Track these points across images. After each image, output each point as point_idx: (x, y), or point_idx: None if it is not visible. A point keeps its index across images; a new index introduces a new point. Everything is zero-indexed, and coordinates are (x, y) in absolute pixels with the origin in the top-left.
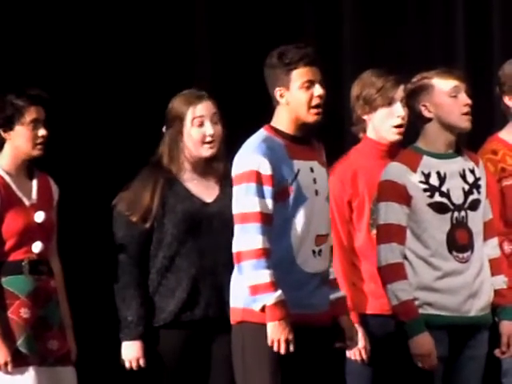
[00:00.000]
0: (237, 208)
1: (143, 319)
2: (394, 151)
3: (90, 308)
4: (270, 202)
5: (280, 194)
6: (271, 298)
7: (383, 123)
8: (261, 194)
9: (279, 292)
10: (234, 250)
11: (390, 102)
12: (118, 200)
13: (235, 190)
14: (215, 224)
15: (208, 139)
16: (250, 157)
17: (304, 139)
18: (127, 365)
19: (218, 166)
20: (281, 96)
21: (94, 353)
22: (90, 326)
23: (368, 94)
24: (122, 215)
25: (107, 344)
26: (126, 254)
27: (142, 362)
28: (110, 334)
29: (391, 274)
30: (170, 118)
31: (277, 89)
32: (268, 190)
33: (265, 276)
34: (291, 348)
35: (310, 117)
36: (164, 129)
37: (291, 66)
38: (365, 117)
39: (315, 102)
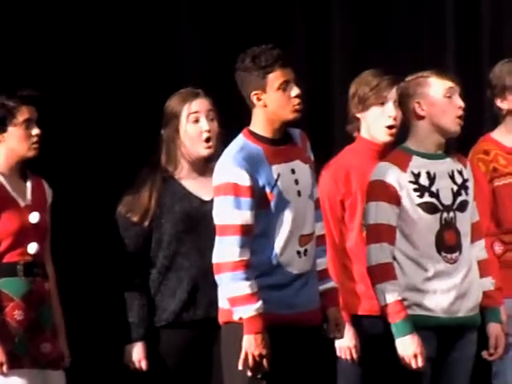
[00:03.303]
0: (217, 219)
1: (145, 320)
2: (387, 151)
3: (91, 310)
4: (248, 213)
5: (261, 202)
6: (248, 310)
7: (375, 122)
8: (239, 206)
9: (257, 305)
10: (214, 261)
11: (383, 102)
12: (118, 203)
13: (216, 200)
14: (213, 222)
15: (204, 135)
16: (228, 169)
17: (283, 140)
18: (130, 366)
19: (214, 165)
20: (258, 99)
21: (95, 355)
22: (91, 329)
23: (362, 92)
24: (122, 216)
25: (109, 346)
26: (127, 255)
27: (144, 364)
28: (112, 336)
29: (381, 274)
30: (166, 117)
31: (253, 92)
32: (246, 201)
33: (243, 288)
34: (264, 364)
35: (290, 115)
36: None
37: (267, 69)
38: (358, 115)
39: (294, 101)
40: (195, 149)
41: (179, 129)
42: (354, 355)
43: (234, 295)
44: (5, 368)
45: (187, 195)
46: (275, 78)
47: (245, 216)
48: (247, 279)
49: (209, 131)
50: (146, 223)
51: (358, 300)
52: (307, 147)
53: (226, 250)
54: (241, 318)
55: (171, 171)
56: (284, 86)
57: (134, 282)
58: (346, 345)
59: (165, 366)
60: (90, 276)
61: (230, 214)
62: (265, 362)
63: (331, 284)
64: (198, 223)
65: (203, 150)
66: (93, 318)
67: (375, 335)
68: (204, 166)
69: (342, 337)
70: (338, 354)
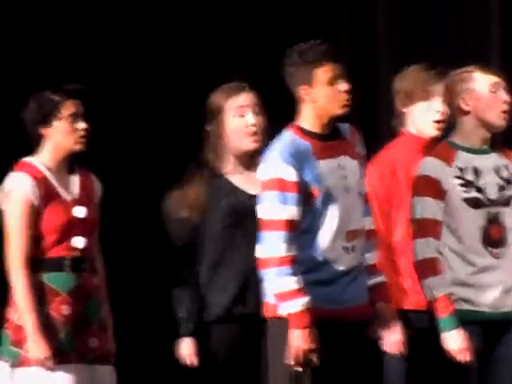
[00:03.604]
0: (262, 214)
1: (194, 316)
2: (432, 146)
3: (143, 305)
4: (294, 209)
5: (307, 198)
6: (296, 305)
7: (422, 117)
8: (285, 202)
9: (305, 300)
10: (259, 255)
11: (429, 97)
12: (166, 199)
13: (261, 195)
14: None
15: (251, 129)
16: (275, 164)
17: (331, 135)
18: (180, 362)
19: (260, 160)
20: (305, 94)
21: (147, 351)
22: (142, 324)
23: (408, 87)
24: (170, 213)
25: (160, 341)
26: (175, 251)
27: (194, 359)
28: (163, 332)
29: (427, 268)
30: (211, 112)
31: (300, 87)
32: (292, 196)
33: (290, 283)
34: (313, 358)
35: (339, 110)
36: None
37: (315, 64)
38: (404, 110)
39: (342, 97)
40: (241, 143)
41: (225, 123)
42: (401, 350)
43: (281, 291)
44: (50, 363)
45: (234, 190)
46: (323, 72)
47: (291, 211)
48: (293, 274)
49: (255, 125)
50: (194, 219)
51: (405, 294)
52: (357, 142)
53: (272, 246)
54: (288, 314)
55: (217, 166)
56: (332, 81)
57: (183, 278)
58: (392, 339)
59: (215, 361)
60: (141, 271)
61: (275, 209)
62: (313, 356)
63: (380, 279)
64: (245, 217)
65: (250, 144)
66: (144, 313)
67: (422, 330)
68: (250, 161)
69: (391, 332)
70: (385, 348)
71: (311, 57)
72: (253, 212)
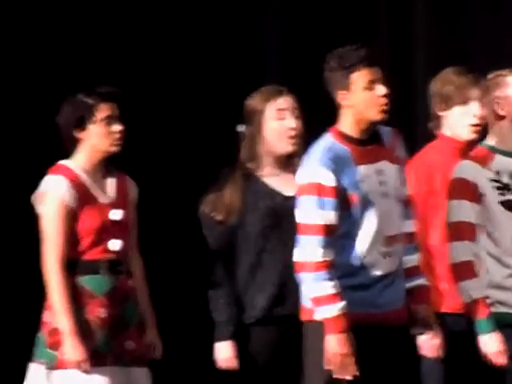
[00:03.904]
0: (299, 218)
1: (233, 319)
2: (469, 149)
3: (178, 309)
4: (332, 214)
5: (345, 203)
6: (332, 310)
7: (459, 121)
8: (322, 206)
9: (341, 304)
10: (295, 259)
11: (466, 101)
12: (202, 202)
13: (299, 199)
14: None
15: (290, 132)
16: (313, 168)
17: (370, 140)
18: (220, 365)
19: (297, 161)
20: (343, 99)
21: (186, 354)
22: (182, 328)
23: (445, 91)
24: (206, 216)
25: (200, 345)
26: (212, 254)
27: (234, 363)
28: (203, 335)
29: (463, 271)
30: (249, 114)
31: (339, 92)
32: (330, 201)
33: (326, 288)
34: (351, 364)
35: (377, 115)
36: (240, 127)
37: (352, 68)
38: (441, 113)
39: (381, 101)
40: (279, 145)
41: (263, 125)
42: (439, 353)
43: (317, 295)
44: (87, 365)
45: (270, 192)
46: (360, 77)
47: (328, 216)
48: (330, 279)
49: (294, 129)
50: (231, 221)
51: (442, 298)
52: (398, 145)
53: (309, 250)
54: (324, 318)
55: (253, 168)
56: (370, 86)
57: (220, 281)
58: (429, 343)
59: (255, 364)
60: (178, 275)
61: (313, 213)
62: (351, 361)
63: (421, 281)
64: (282, 219)
65: (287, 147)
66: (183, 316)
67: (459, 333)
68: (285, 163)
69: (433, 333)
70: (422, 352)
71: (348, 62)
72: (289, 214)
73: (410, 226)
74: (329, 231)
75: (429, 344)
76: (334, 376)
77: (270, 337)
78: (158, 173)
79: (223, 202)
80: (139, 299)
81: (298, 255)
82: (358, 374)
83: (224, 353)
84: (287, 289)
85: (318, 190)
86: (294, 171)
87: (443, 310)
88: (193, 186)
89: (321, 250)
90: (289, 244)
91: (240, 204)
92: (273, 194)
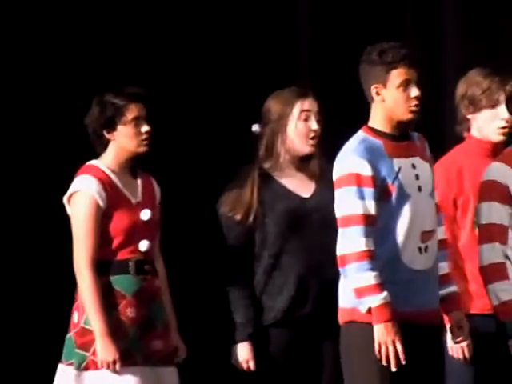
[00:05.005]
0: (339, 211)
1: (251, 320)
2: (498, 150)
3: (201, 309)
4: (372, 204)
5: (382, 194)
6: (376, 300)
7: (487, 124)
8: (362, 196)
9: (384, 294)
10: (338, 253)
11: (494, 104)
12: (220, 202)
13: (337, 193)
14: (315, 219)
15: (312, 134)
16: (350, 159)
17: (402, 136)
18: (238, 367)
19: (313, 163)
20: (377, 93)
21: (204, 354)
22: (200, 328)
23: (473, 94)
24: (225, 216)
25: (219, 345)
26: (231, 254)
27: (252, 364)
28: (221, 336)
29: (493, 273)
30: (270, 114)
31: (373, 86)
32: (369, 191)
33: (369, 278)
34: (399, 349)
35: (406, 115)
36: (256, 127)
37: (392, 65)
38: (469, 116)
39: (412, 102)
40: (300, 146)
41: (287, 125)
42: (467, 354)
43: (361, 285)
44: (118, 366)
45: (287, 193)
46: (398, 75)
47: (368, 206)
48: (372, 269)
49: (316, 131)
50: (249, 221)
51: (471, 299)
52: (426, 149)
53: (351, 241)
54: (369, 309)
55: (270, 168)
56: (405, 85)
57: (239, 282)
58: (458, 344)
59: (274, 365)
60: (197, 275)
61: (353, 204)
62: (400, 348)
63: (453, 288)
64: (300, 221)
65: (307, 148)
66: (201, 316)
67: (488, 334)
68: (301, 164)
69: (465, 340)
70: (450, 353)
71: (390, 57)
72: (306, 215)
73: (441, 233)
74: (370, 221)
75: (457, 345)
76: (383, 364)
77: (287, 338)
78: (176, 173)
79: (242, 201)
80: (164, 300)
81: (340, 249)
82: (404, 362)
83: (242, 354)
84: (306, 291)
85: (357, 180)
86: (310, 173)
87: (472, 311)
88: (215, 185)
89: (363, 240)
90: (308, 246)
91: (258, 204)
92: (290, 195)
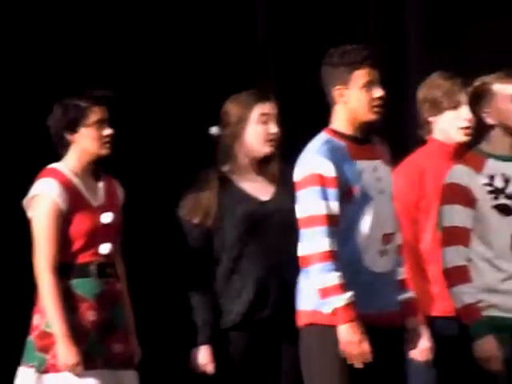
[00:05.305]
0: (301, 212)
1: (210, 323)
2: (460, 152)
3: (157, 313)
4: (335, 204)
5: (345, 195)
6: (341, 300)
7: (450, 126)
8: (326, 197)
9: (349, 294)
10: (301, 254)
11: (456, 105)
12: (179, 205)
13: (299, 194)
14: (274, 222)
15: (270, 137)
16: (314, 160)
17: (364, 139)
18: (196, 370)
19: (272, 166)
20: (340, 95)
21: (161, 357)
22: (157, 330)
23: (434, 96)
24: (183, 220)
25: (176, 349)
26: (190, 258)
27: (210, 368)
28: (179, 339)
29: (456, 276)
30: (229, 118)
31: (336, 87)
32: (332, 192)
33: (334, 278)
34: (366, 348)
35: (369, 115)
36: (215, 129)
37: (354, 66)
38: (431, 119)
39: (375, 102)
40: (258, 149)
41: (246, 128)
42: (429, 357)
43: (325, 286)
44: (79, 369)
45: (246, 197)
46: (361, 75)
47: (332, 206)
48: (337, 270)
49: (275, 134)
50: (208, 225)
51: (433, 301)
52: (387, 153)
53: (314, 241)
54: (334, 309)
55: (229, 171)
56: (368, 86)
57: (198, 285)
58: (420, 347)
59: (232, 368)
60: (157, 279)
61: (316, 204)
62: (366, 347)
63: (410, 294)
64: (259, 224)
65: (265, 149)
66: (159, 320)
67: (449, 337)
68: (261, 167)
69: (415, 347)
70: (412, 356)
71: (352, 58)
72: (265, 218)
73: (399, 239)
74: (333, 222)
75: (418, 348)
76: (350, 363)
77: (246, 342)
78: (136, 175)
79: (200, 205)
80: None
81: (303, 249)
82: (371, 359)
83: (200, 357)
84: (265, 295)
85: (321, 180)
86: (269, 176)
87: (434, 313)
88: (173, 188)
89: (327, 240)
90: (267, 249)
91: (216, 208)
92: (249, 199)
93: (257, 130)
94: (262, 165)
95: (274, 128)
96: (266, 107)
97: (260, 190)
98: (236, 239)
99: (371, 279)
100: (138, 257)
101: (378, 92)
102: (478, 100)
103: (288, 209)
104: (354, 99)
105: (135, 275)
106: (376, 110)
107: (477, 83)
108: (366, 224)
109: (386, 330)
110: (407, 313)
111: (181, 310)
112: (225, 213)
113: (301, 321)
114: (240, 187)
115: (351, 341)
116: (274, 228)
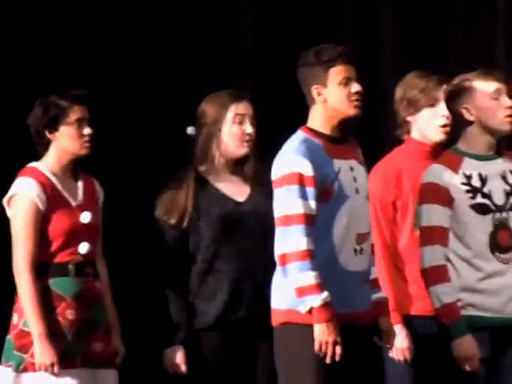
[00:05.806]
0: (279, 210)
1: (184, 324)
2: (437, 152)
3: (135, 312)
4: (312, 203)
5: (322, 194)
6: (318, 299)
7: (428, 123)
8: (303, 196)
9: (326, 293)
10: (278, 252)
11: (433, 103)
12: (156, 205)
13: (277, 192)
14: (250, 223)
15: (246, 138)
16: (291, 159)
17: (341, 139)
18: (169, 370)
19: (248, 167)
20: (318, 94)
21: (138, 357)
22: (133, 330)
23: (411, 94)
24: (159, 219)
25: (149, 349)
26: (165, 258)
27: (183, 368)
28: (152, 339)
29: (434, 276)
30: (205, 118)
31: (313, 86)
32: (310, 191)
33: (310, 278)
34: (338, 350)
35: (350, 110)
36: (191, 129)
37: (330, 63)
38: (409, 118)
39: (354, 97)
40: (234, 149)
41: (222, 128)
42: (407, 356)
43: (302, 285)
44: (56, 368)
45: (221, 197)
46: (337, 72)
47: (309, 205)
48: (314, 269)
49: (250, 135)
50: (184, 225)
51: (411, 300)
52: (360, 153)
53: (292, 240)
54: (310, 308)
55: (205, 171)
56: (345, 82)
57: (173, 285)
58: (398, 346)
59: (205, 369)
60: (131, 279)
61: (294, 203)
62: (338, 348)
63: (382, 294)
64: (234, 225)
65: (241, 151)
66: (133, 321)
67: (428, 336)
68: (236, 168)
69: (392, 347)
70: (391, 355)
71: (327, 56)
72: (241, 219)
73: (371, 238)
74: (310, 221)
75: (396, 347)
76: (327, 362)
77: (221, 342)
78: (113, 175)
79: (176, 205)
80: (106, 303)
81: (280, 248)
82: (339, 359)
83: (174, 358)
84: (240, 296)
85: (299, 179)
86: (245, 177)
87: (412, 312)
88: (150, 187)
89: (304, 239)
90: (243, 250)
91: (192, 208)
92: (224, 199)
93: (232, 130)
94: (238, 165)
95: (249, 128)
96: (241, 107)
97: (236, 190)
98: (211, 240)
99: (346, 278)
100: (114, 256)
101: (356, 87)
102: (456, 97)
103: (263, 210)
104: (332, 97)
105: (112, 274)
106: (356, 104)
107: (456, 80)
108: (341, 223)
109: (361, 329)
110: (380, 312)
111: (155, 310)
112: (200, 213)
113: (275, 320)
114: (216, 187)
115: (326, 341)
116: (249, 229)
